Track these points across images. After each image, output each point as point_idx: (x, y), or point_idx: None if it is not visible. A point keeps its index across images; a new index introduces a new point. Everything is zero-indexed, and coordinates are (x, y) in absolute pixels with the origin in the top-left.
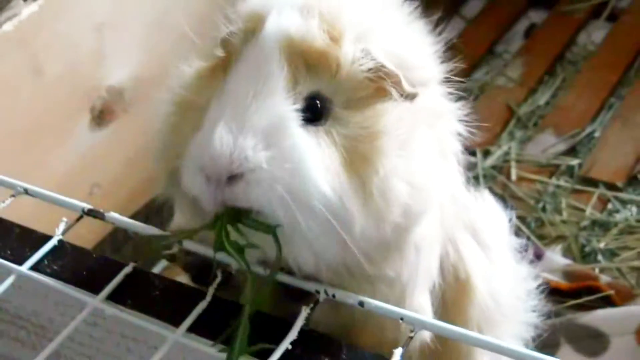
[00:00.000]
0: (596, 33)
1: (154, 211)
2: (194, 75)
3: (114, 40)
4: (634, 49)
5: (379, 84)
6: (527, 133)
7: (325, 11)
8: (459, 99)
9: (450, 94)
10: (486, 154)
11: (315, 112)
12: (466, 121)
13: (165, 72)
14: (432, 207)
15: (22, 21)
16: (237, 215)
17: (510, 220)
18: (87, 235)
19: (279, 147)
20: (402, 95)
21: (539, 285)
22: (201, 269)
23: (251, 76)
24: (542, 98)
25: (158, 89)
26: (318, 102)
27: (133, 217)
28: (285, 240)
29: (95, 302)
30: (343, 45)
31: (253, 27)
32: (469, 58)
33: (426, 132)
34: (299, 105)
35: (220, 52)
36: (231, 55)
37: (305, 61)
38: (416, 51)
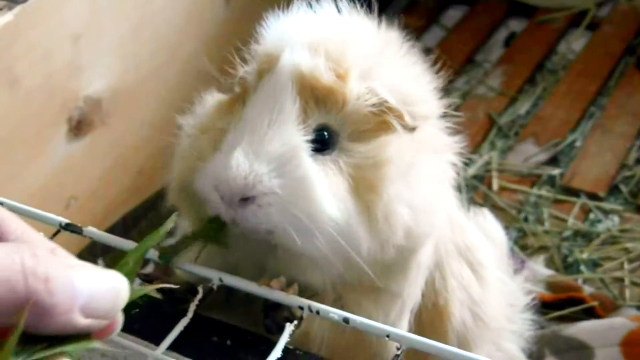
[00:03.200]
0: (576, 42)
1: (132, 223)
2: (215, 104)
3: (90, 51)
4: (614, 57)
5: (383, 118)
6: (508, 142)
7: (331, 50)
8: (456, 133)
9: (448, 127)
10: (467, 163)
11: (323, 142)
12: (461, 153)
13: (142, 82)
14: (436, 229)
15: None
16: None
17: (509, 239)
18: (65, 247)
19: (292, 176)
20: (404, 127)
21: (531, 299)
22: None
23: (267, 106)
24: (522, 107)
25: (136, 98)
26: (326, 133)
27: (111, 229)
28: (294, 261)
29: None
30: (348, 82)
31: (267, 66)
32: (449, 67)
33: (428, 160)
34: (309, 136)
35: (238, 89)
36: (247, 90)
37: (315, 95)
38: (417, 87)
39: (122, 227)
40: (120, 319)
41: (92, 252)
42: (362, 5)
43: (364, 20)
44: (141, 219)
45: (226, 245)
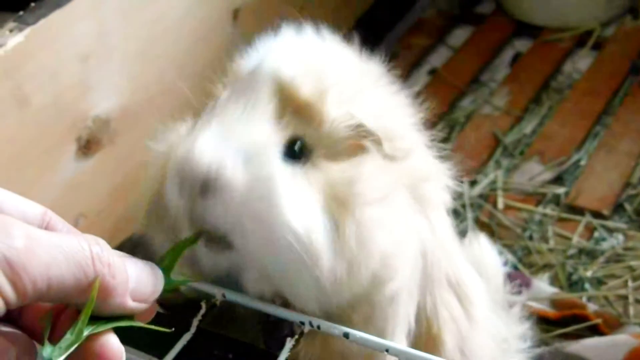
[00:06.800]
0: (581, 61)
1: (141, 241)
2: (188, 129)
3: (99, 70)
4: (619, 77)
5: (360, 142)
6: (514, 161)
7: (313, 68)
8: (447, 159)
9: (440, 155)
10: (473, 182)
11: (293, 153)
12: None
13: (151, 102)
14: (407, 263)
15: (8, 51)
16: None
17: (505, 264)
18: None
19: (257, 172)
20: (382, 154)
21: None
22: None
23: (241, 100)
24: (528, 126)
25: (144, 118)
26: (299, 143)
27: (119, 247)
28: (251, 267)
29: None
30: (326, 102)
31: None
32: (455, 87)
33: (405, 194)
34: (281, 140)
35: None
36: None
37: (292, 106)
38: (397, 121)
39: (131, 245)
40: (155, 307)
41: None
42: (363, 33)
43: (345, 51)
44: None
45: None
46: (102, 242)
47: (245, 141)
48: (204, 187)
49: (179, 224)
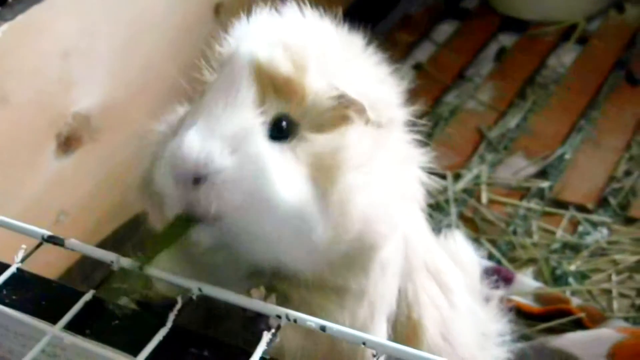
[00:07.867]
0: (566, 56)
1: (122, 238)
2: (179, 117)
3: (80, 67)
4: (604, 71)
5: (344, 112)
6: (498, 156)
7: (292, 44)
8: (423, 145)
9: (415, 140)
10: (457, 177)
11: (281, 131)
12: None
13: (132, 99)
14: (395, 229)
15: None
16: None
17: (489, 258)
18: (55, 263)
19: (245, 153)
20: (366, 121)
21: (509, 310)
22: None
23: (223, 91)
24: (512, 121)
25: (125, 115)
26: (285, 123)
27: (101, 244)
28: (249, 242)
29: (54, 330)
30: (307, 74)
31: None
32: (440, 82)
33: (388, 156)
34: (266, 122)
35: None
36: None
37: (273, 85)
38: (380, 90)
39: (112, 242)
40: None
41: (83, 267)
42: (348, 20)
43: (326, 24)
44: (133, 233)
45: (192, 244)
46: None
47: (230, 130)
48: (196, 179)
49: (172, 209)
